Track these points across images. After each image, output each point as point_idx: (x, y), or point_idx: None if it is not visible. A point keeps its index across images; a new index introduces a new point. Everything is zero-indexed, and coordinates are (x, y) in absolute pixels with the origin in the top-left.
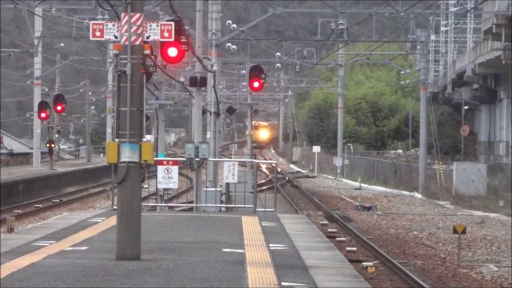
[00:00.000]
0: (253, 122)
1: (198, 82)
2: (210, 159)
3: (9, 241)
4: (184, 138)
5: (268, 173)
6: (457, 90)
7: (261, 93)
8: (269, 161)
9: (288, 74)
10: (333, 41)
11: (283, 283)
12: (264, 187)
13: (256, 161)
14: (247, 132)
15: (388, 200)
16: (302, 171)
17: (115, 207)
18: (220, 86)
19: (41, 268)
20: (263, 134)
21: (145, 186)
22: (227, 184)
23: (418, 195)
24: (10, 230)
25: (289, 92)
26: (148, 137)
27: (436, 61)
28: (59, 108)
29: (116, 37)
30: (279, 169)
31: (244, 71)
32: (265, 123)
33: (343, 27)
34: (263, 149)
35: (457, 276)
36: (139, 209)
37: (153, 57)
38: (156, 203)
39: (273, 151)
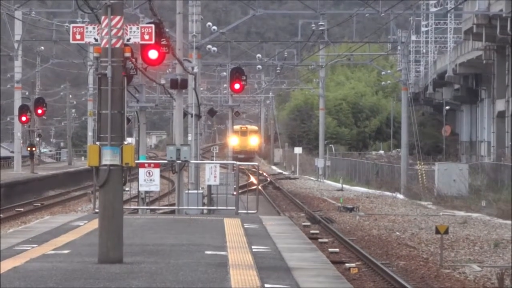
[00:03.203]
0: (238, 126)
1: (179, 84)
2: (191, 161)
3: None
4: (165, 140)
5: (250, 175)
6: (438, 91)
7: (242, 95)
8: (251, 163)
9: (269, 75)
10: (314, 42)
11: (266, 285)
12: (246, 189)
13: (238, 163)
14: (228, 137)
15: (370, 201)
16: (284, 172)
17: (97, 210)
18: (201, 88)
19: (24, 272)
20: (253, 141)
21: (127, 189)
22: (209, 186)
23: (400, 196)
24: None
25: (270, 93)
26: (129, 140)
27: (417, 62)
28: (39, 111)
29: (96, 40)
30: (260, 171)
31: (225, 73)
32: (255, 127)
33: (323, 28)
34: (252, 159)
35: (440, 277)
36: (121, 212)
37: (133, 60)
38: (138, 206)
39: None
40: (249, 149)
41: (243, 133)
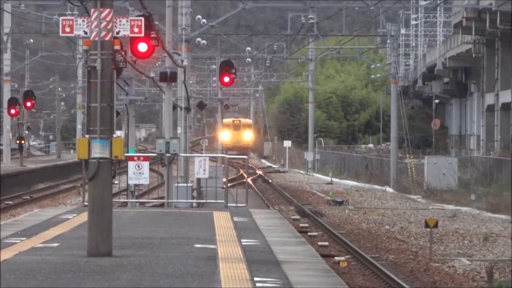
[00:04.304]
0: (230, 119)
1: (168, 78)
2: (181, 154)
3: None
4: (155, 133)
5: (239, 168)
6: (428, 84)
7: (231, 88)
8: (240, 156)
9: (258, 69)
10: (303, 36)
11: (255, 278)
12: (236, 183)
13: (228, 156)
14: (218, 131)
15: (359, 194)
16: (273, 166)
17: (86, 204)
18: (191, 81)
19: (13, 265)
20: (247, 135)
21: (116, 182)
22: (198, 180)
23: (389, 189)
24: None
25: (260, 86)
26: (118, 133)
27: (407, 55)
28: (28, 104)
29: (86, 32)
30: (250, 165)
31: (214, 66)
32: (248, 120)
33: (313, 21)
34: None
35: (429, 270)
36: (110, 205)
37: (123, 53)
38: (127, 199)
39: None
40: (242, 145)
41: (236, 127)
